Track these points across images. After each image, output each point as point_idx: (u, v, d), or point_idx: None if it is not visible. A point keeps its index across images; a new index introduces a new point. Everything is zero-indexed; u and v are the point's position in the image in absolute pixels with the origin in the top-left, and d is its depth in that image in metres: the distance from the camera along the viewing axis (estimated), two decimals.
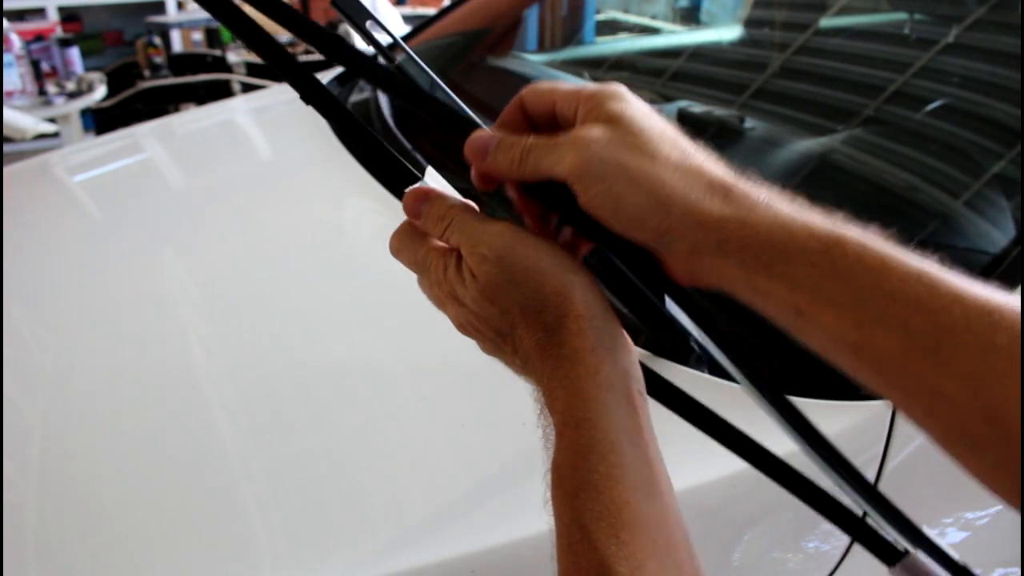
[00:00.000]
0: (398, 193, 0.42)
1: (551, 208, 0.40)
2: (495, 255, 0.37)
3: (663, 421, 0.63)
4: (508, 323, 0.38)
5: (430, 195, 0.41)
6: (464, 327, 0.43)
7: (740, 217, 0.33)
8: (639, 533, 0.32)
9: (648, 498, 0.33)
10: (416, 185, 0.42)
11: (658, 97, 1.13)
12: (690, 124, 1.01)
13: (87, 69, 3.33)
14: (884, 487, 0.60)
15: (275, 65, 0.38)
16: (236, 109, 1.52)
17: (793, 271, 0.32)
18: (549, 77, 1.29)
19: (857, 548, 0.61)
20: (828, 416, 0.60)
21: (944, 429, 0.30)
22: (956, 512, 0.64)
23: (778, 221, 0.33)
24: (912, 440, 0.60)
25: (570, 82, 0.39)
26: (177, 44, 4.18)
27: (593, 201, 0.35)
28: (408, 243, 0.43)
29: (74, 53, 3.21)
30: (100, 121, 3.67)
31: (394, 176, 0.43)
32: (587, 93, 0.37)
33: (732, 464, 0.58)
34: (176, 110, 3.60)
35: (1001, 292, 0.29)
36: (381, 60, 0.50)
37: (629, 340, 0.38)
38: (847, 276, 0.31)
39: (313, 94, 0.39)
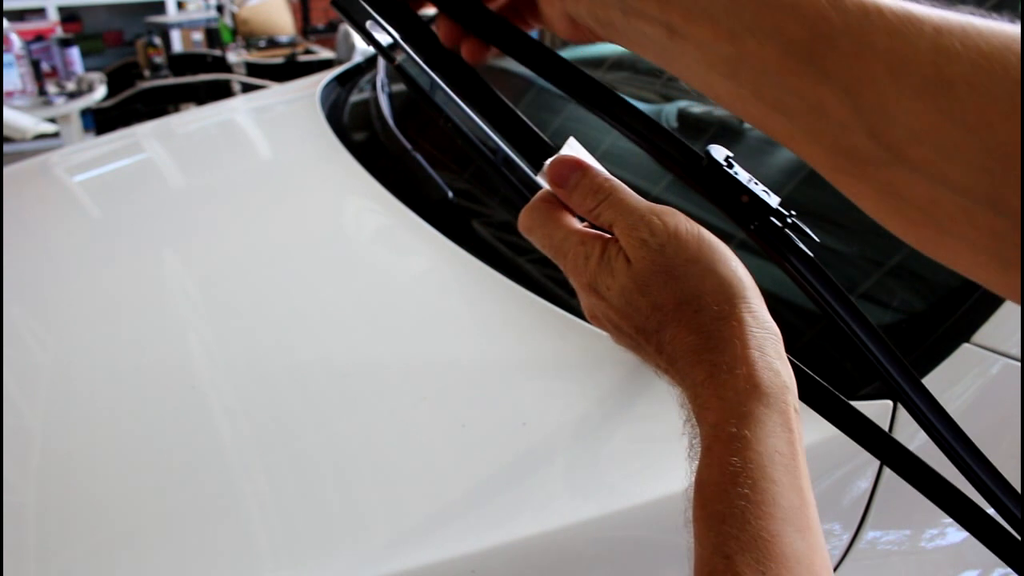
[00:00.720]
0: (537, 164, 0.38)
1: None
2: (658, 242, 0.34)
3: (663, 422, 0.63)
4: (657, 320, 0.35)
5: (583, 165, 0.37)
6: (597, 318, 0.39)
7: None
8: (787, 569, 0.29)
9: (797, 532, 0.30)
10: (564, 153, 0.37)
11: (658, 97, 1.13)
12: (690, 124, 1.01)
13: (87, 69, 3.34)
14: (884, 487, 0.61)
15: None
16: (236, 109, 1.52)
17: None
18: None
19: (858, 548, 0.61)
20: None
21: (829, 152, 0.27)
22: None
23: None
24: (912, 440, 0.60)
25: None
26: (177, 44, 4.18)
27: None
28: (544, 221, 0.38)
29: (74, 53, 3.21)
30: (100, 121, 3.67)
31: (528, 147, 0.39)
32: None
33: None
34: (176, 110, 3.60)
35: None
36: (381, 60, 0.50)
37: (783, 350, 0.36)
38: None
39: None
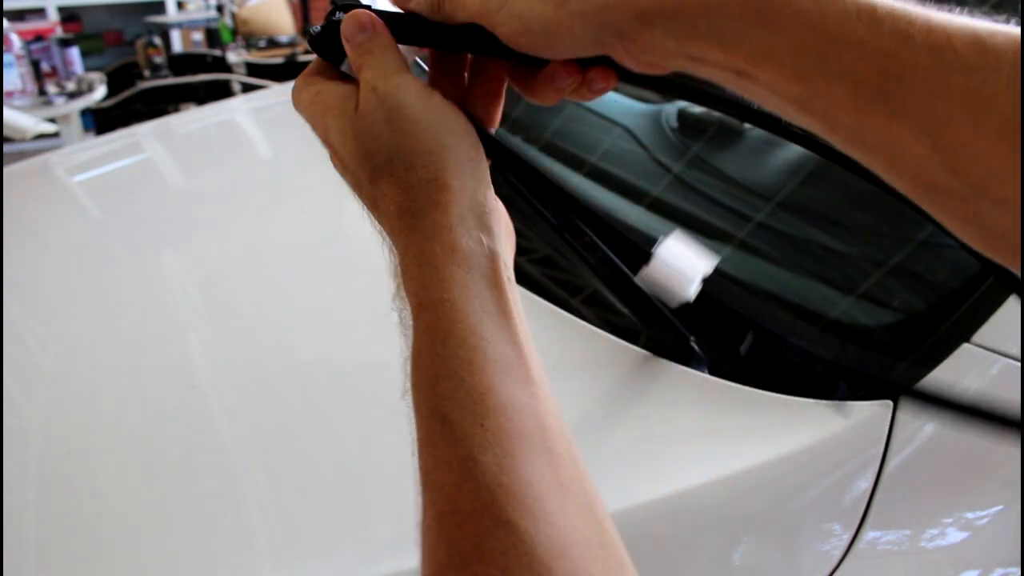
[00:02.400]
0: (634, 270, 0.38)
1: (477, 51, 0.37)
2: (384, 89, 0.33)
3: (663, 422, 0.63)
4: (368, 171, 0.35)
5: (376, 27, 0.36)
6: (332, 160, 0.39)
7: None
8: (506, 419, 0.29)
9: (516, 383, 0.30)
10: (368, 8, 0.37)
11: (658, 97, 1.13)
12: (690, 124, 1.01)
13: (87, 69, 3.33)
14: (884, 487, 0.61)
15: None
16: (236, 109, 1.52)
17: (720, 27, 0.28)
18: None
19: (858, 548, 0.61)
20: (828, 416, 0.60)
21: (910, 183, 0.27)
22: (956, 512, 0.64)
23: None
24: (912, 440, 0.60)
25: None
26: (177, 44, 4.19)
27: (505, 32, 0.32)
28: (304, 82, 0.38)
29: (74, 53, 3.21)
30: (100, 121, 3.67)
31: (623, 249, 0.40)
32: None
33: (732, 464, 0.58)
34: (176, 110, 3.60)
35: (959, 20, 0.25)
36: None
37: (510, 229, 0.36)
38: (778, 24, 0.27)
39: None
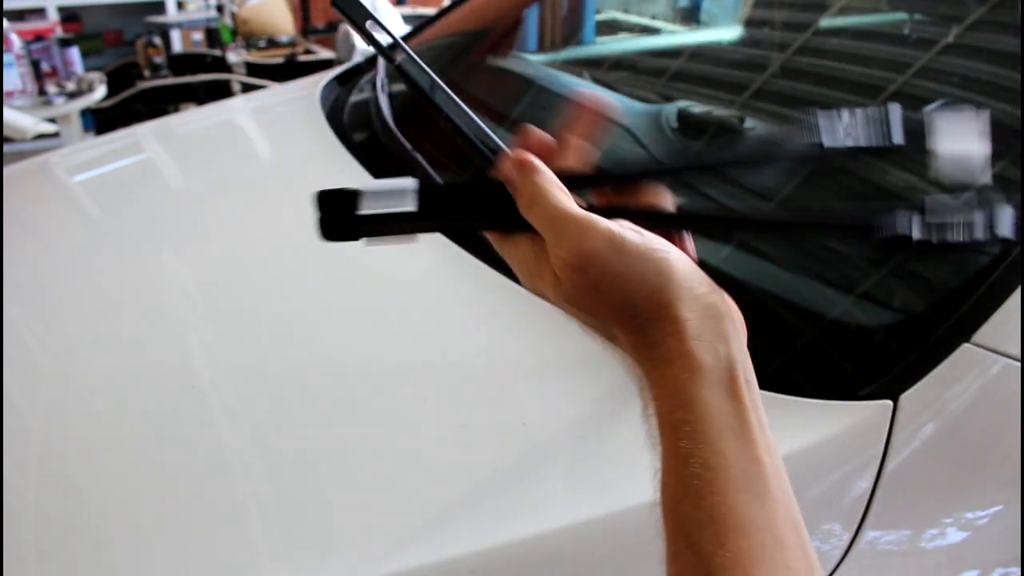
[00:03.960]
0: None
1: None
2: (578, 262, 0.35)
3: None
4: (599, 324, 0.37)
5: (525, 164, 0.38)
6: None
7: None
8: (746, 538, 0.30)
9: (755, 499, 0.31)
10: (517, 151, 0.38)
11: (658, 97, 1.13)
12: (690, 124, 1.01)
13: (87, 69, 3.33)
14: (884, 487, 0.61)
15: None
16: (236, 109, 1.52)
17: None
18: (549, 77, 1.29)
19: (858, 548, 0.61)
20: (828, 416, 0.60)
21: None
22: (956, 512, 0.64)
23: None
24: (912, 440, 0.60)
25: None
26: (177, 44, 4.18)
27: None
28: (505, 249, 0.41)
29: (74, 53, 3.20)
30: (100, 121, 3.67)
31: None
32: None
33: None
34: (176, 110, 3.60)
35: None
36: (381, 60, 0.50)
37: (740, 320, 0.36)
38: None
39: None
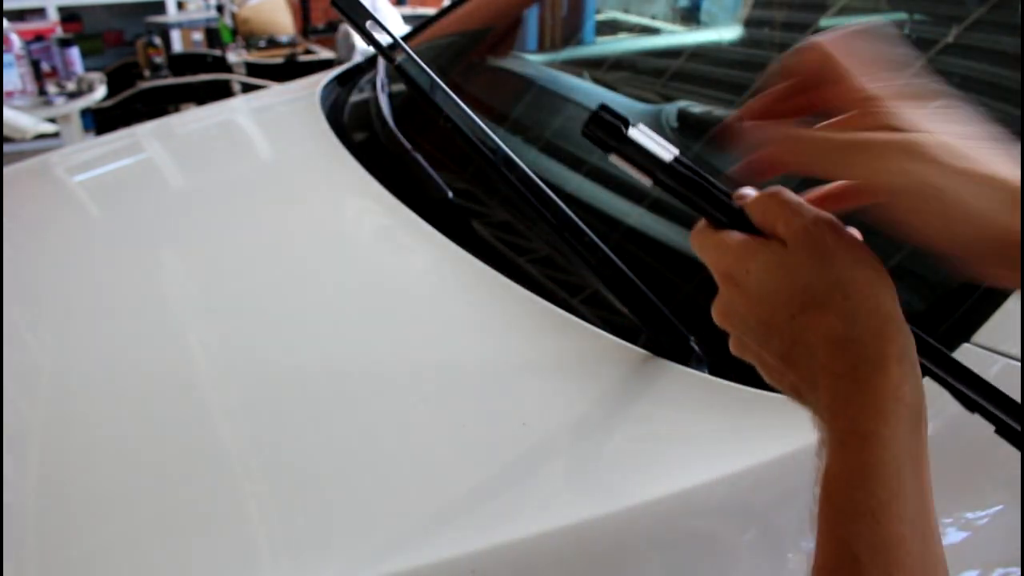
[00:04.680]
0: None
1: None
2: (819, 229, 0.34)
3: (663, 422, 0.62)
4: (798, 304, 0.34)
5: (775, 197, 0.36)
6: (725, 313, 0.38)
7: None
8: (908, 573, 0.30)
9: (921, 538, 0.31)
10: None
11: (658, 97, 1.13)
12: (690, 124, 1.01)
13: (87, 69, 3.33)
14: None
15: None
16: (236, 109, 1.52)
17: None
18: (549, 77, 1.29)
19: None
20: None
21: None
22: (956, 512, 0.64)
23: None
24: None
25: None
26: (177, 44, 4.18)
27: (898, 217, 0.32)
28: (707, 236, 0.38)
29: (74, 53, 3.20)
30: (100, 121, 3.67)
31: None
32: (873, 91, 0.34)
33: (732, 464, 0.58)
34: (176, 110, 3.61)
35: None
36: (381, 60, 0.50)
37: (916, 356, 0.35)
38: None
39: None
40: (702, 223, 0.39)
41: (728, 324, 0.38)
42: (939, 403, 0.60)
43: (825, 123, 0.35)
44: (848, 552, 0.30)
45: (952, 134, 0.32)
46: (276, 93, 1.59)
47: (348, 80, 1.45)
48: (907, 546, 0.30)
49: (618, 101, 1.08)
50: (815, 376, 0.34)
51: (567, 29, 1.69)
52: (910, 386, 0.32)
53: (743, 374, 0.62)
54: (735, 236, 0.36)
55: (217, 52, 3.95)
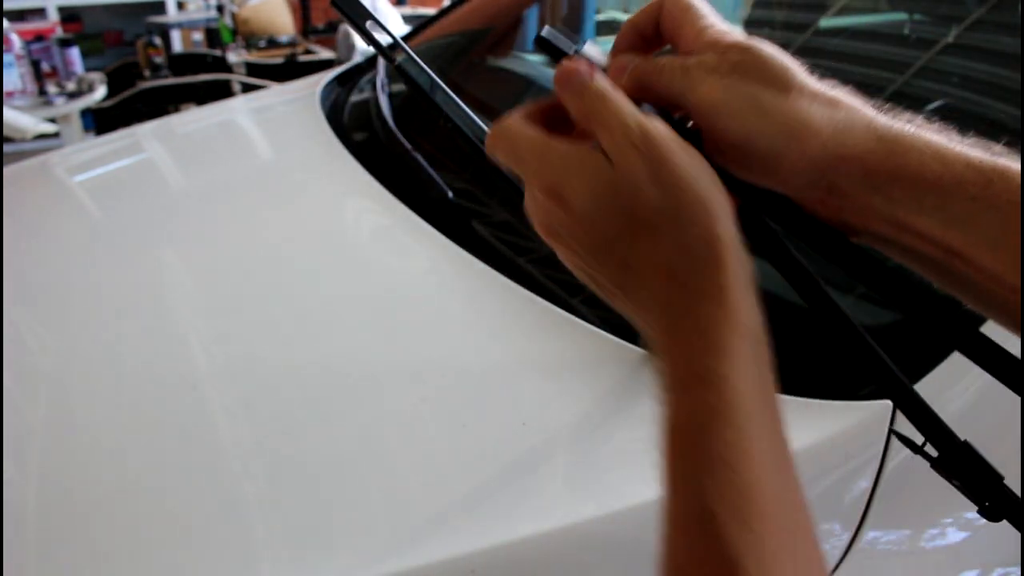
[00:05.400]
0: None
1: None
2: (646, 142, 0.30)
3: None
4: (630, 230, 0.30)
5: (592, 69, 0.33)
6: (550, 230, 0.34)
7: (887, 148, 0.29)
8: (771, 522, 0.26)
9: (776, 474, 0.28)
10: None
11: None
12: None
13: (87, 69, 3.33)
14: (884, 487, 0.61)
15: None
16: (236, 109, 1.52)
17: (948, 206, 0.28)
18: (549, 77, 1.29)
19: (858, 548, 0.61)
20: (828, 416, 0.60)
21: None
22: (956, 512, 0.64)
23: (930, 151, 0.29)
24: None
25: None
26: (177, 44, 4.19)
27: (724, 136, 0.31)
28: (511, 130, 0.34)
29: (74, 53, 3.21)
30: (100, 121, 3.68)
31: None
32: (713, 26, 0.33)
33: None
34: (176, 110, 3.61)
35: None
36: (381, 60, 0.50)
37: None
38: (1011, 213, 0.27)
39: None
40: (513, 116, 0.35)
41: (554, 242, 0.35)
42: (939, 403, 0.61)
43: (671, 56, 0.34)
44: (705, 510, 0.26)
45: (786, 60, 0.32)
46: (276, 93, 1.59)
47: (348, 80, 1.45)
48: (763, 490, 0.27)
49: None
50: (649, 308, 0.31)
51: (567, 29, 1.69)
52: (746, 313, 0.29)
53: None
54: (557, 147, 0.32)
55: (217, 52, 3.95)
